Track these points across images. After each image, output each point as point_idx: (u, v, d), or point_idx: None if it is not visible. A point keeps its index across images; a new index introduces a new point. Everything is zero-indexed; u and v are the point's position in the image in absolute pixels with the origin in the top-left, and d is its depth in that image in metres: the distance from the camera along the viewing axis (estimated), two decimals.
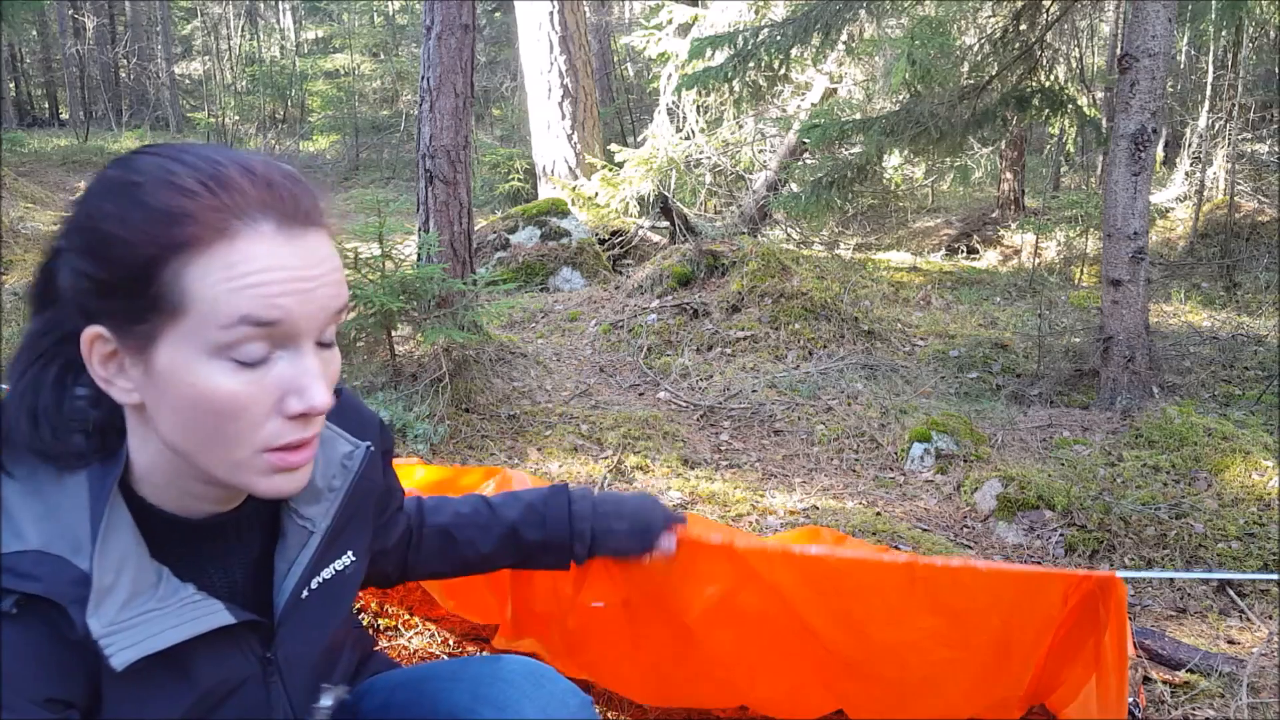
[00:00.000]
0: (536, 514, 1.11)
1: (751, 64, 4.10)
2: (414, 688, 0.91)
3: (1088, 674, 1.20)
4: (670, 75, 6.53)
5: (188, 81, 17.05)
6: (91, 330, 0.62)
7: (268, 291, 0.61)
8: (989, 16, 4.88)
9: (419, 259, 3.24)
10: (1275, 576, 1.91)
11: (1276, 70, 7.08)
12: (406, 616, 1.64)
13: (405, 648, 1.57)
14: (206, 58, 15.75)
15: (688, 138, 6.58)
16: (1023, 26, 3.87)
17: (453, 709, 0.85)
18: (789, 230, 6.74)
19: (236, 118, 13.33)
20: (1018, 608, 1.17)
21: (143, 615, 0.65)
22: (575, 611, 1.30)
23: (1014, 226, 6.95)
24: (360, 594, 1.65)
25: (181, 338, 0.61)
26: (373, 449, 0.83)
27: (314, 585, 0.79)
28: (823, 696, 1.31)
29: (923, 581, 1.17)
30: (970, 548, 2.22)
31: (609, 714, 1.41)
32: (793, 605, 1.22)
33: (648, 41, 6.75)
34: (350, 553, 0.84)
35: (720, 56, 4.52)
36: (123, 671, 0.63)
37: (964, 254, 6.77)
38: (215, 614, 0.69)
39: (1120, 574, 1.14)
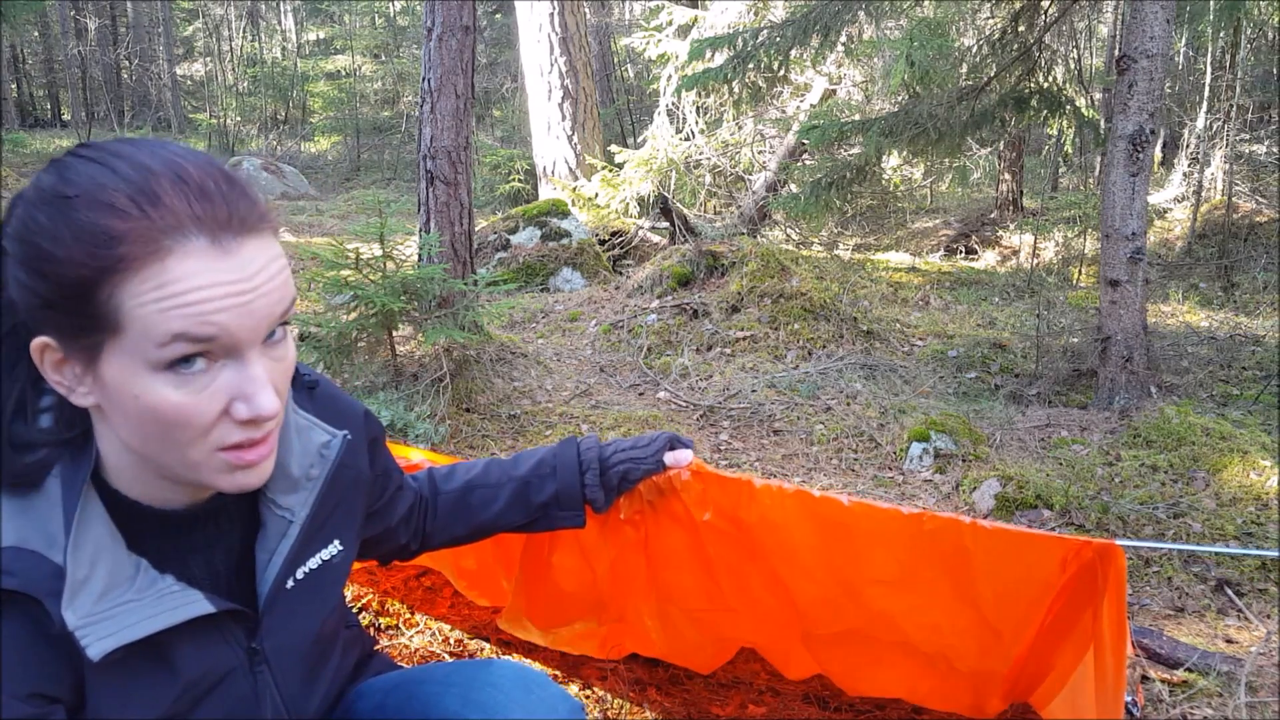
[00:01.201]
0: (547, 466, 1.14)
1: (751, 65, 4.11)
2: (407, 690, 0.92)
3: (1079, 656, 1.19)
4: (670, 76, 6.54)
5: (189, 82, 17.06)
6: (39, 340, 0.63)
7: (201, 310, 0.60)
8: (987, 18, 4.89)
9: (420, 259, 3.26)
10: (1273, 553, 1.92)
11: (1274, 71, 7.09)
12: (408, 615, 1.65)
13: (406, 646, 1.58)
14: (208, 59, 15.76)
15: (687, 139, 6.59)
16: (1021, 28, 3.88)
17: (443, 712, 0.86)
18: (788, 231, 6.75)
19: (238, 119, 13.34)
20: (1016, 573, 1.17)
21: (120, 606, 0.65)
22: (594, 569, 1.31)
23: (1012, 227, 6.96)
24: (361, 592, 1.66)
25: (122, 352, 0.61)
26: (350, 437, 0.83)
27: (299, 575, 0.80)
28: (807, 660, 1.34)
29: (929, 535, 1.18)
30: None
31: (609, 712, 1.42)
32: (796, 553, 1.23)
33: (648, 43, 6.76)
34: (337, 541, 0.84)
35: (720, 58, 4.53)
36: (104, 663, 0.64)
37: (962, 254, 6.78)
38: (194, 603, 0.69)
39: (1120, 543, 1.13)
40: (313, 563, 0.81)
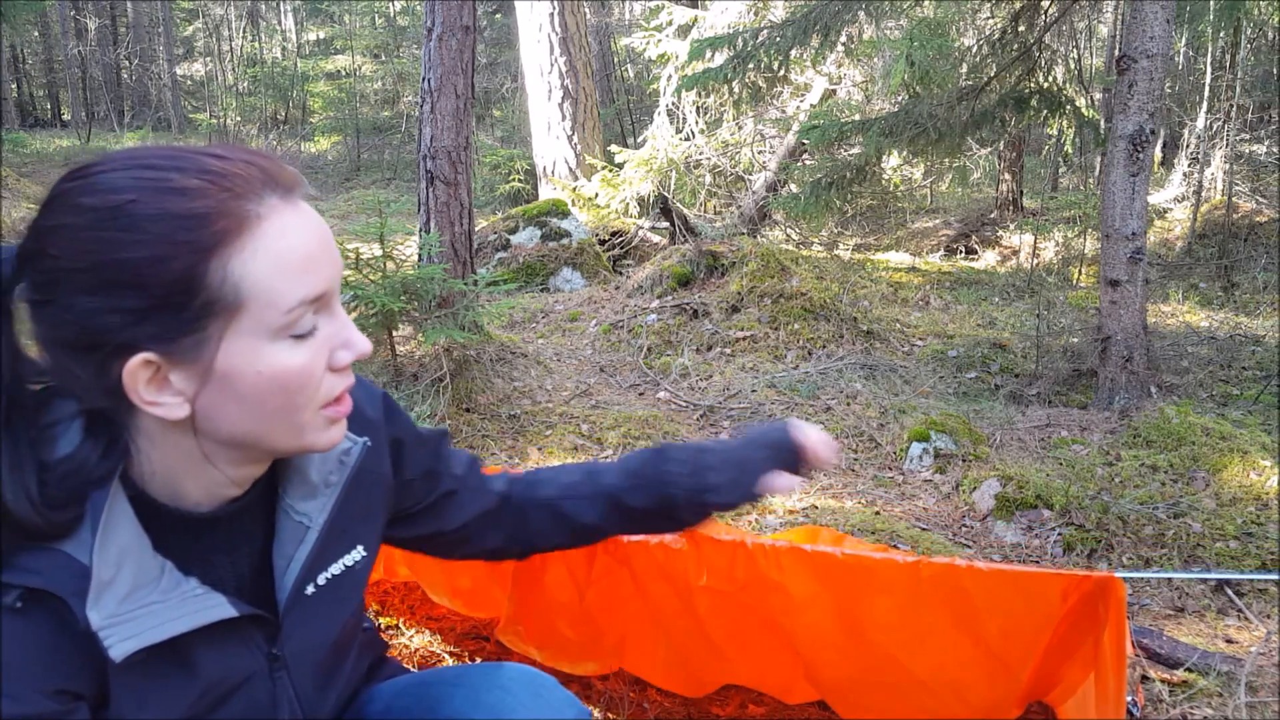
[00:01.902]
0: (637, 479, 1.05)
1: (751, 65, 4.11)
2: (416, 692, 0.92)
3: (1085, 672, 1.21)
4: (670, 76, 6.54)
5: (189, 82, 17.06)
6: (134, 361, 0.60)
7: (312, 265, 0.63)
8: (987, 18, 4.89)
9: (420, 259, 3.26)
10: (1274, 575, 1.92)
11: (1274, 71, 7.09)
12: (407, 615, 1.65)
13: (406, 646, 1.58)
14: (208, 59, 15.77)
15: (687, 139, 6.59)
16: (1021, 28, 3.88)
17: (452, 713, 0.86)
18: (788, 231, 6.75)
19: (238, 119, 13.34)
20: (1017, 608, 1.19)
21: (144, 608, 0.65)
22: (584, 598, 1.32)
23: (1012, 227, 6.96)
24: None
25: (243, 331, 0.61)
26: (370, 444, 0.83)
27: (321, 581, 0.79)
28: (808, 690, 1.35)
29: (929, 581, 1.19)
30: (969, 547, 2.23)
31: (609, 713, 1.42)
32: (797, 605, 1.24)
33: (648, 43, 6.76)
34: (360, 547, 0.84)
35: (720, 58, 4.53)
36: (126, 663, 0.64)
37: (962, 254, 6.78)
38: (217, 607, 0.69)
39: (1120, 574, 1.15)
40: (335, 568, 0.80)
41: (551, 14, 6.80)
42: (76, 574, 0.63)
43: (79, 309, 0.59)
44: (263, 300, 0.61)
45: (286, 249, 0.62)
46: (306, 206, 0.65)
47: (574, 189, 6.67)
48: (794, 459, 1.04)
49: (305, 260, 0.62)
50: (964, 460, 2.67)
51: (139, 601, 0.65)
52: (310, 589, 0.78)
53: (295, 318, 0.63)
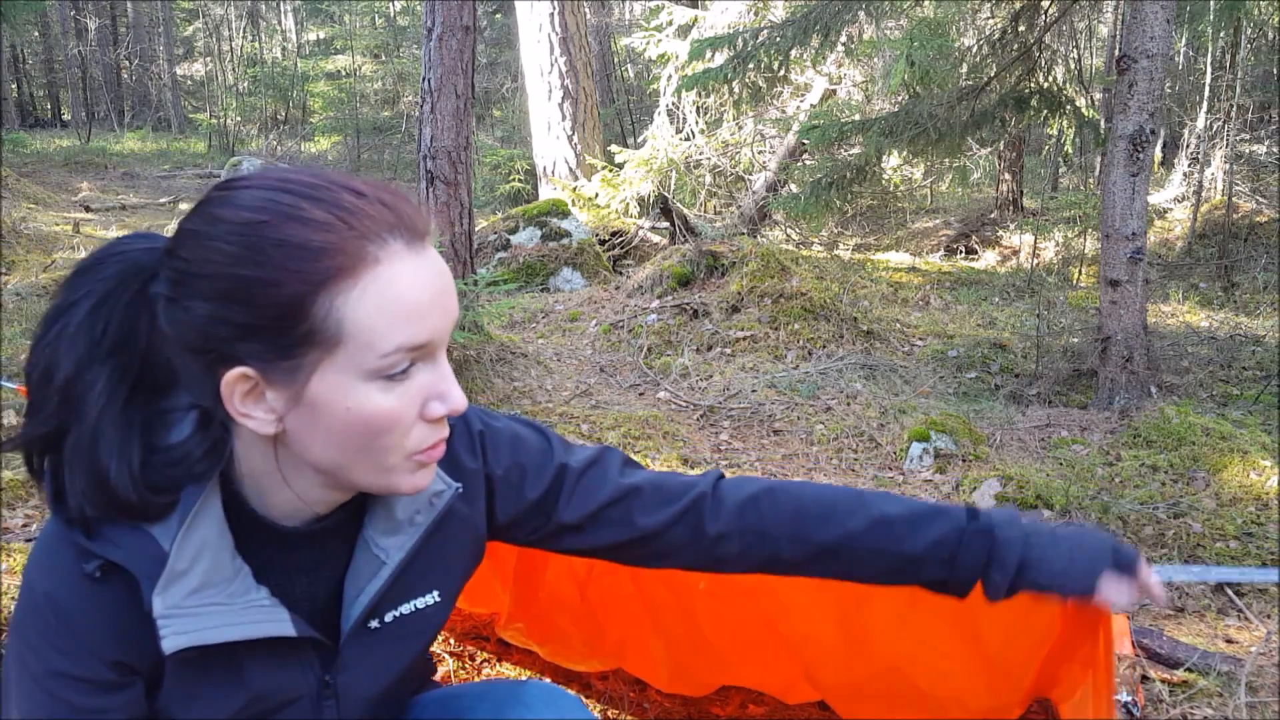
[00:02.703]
0: (945, 550, 0.86)
1: (751, 65, 4.11)
2: (442, 705, 0.92)
3: (1085, 673, 1.21)
4: (670, 76, 6.54)
5: (190, 82, 17.07)
6: (234, 373, 0.62)
7: (418, 314, 0.62)
8: (988, 18, 4.89)
9: None
10: (1274, 575, 1.92)
11: (1275, 71, 7.09)
12: None
13: None
14: (208, 59, 15.78)
15: (688, 139, 6.59)
16: (1021, 28, 3.88)
17: None
18: (788, 231, 6.75)
19: (238, 119, 13.35)
20: (1018, 614, 1.19)
21: (207, 607, 0.66)
22: (585, 596, 1.32)
23: (1012, 227, 6.96)
24: None
25: (337, 367, 0.62)
26: (462, 490, 0.79)
27: (387, 618, 0.78)
28: (808, 690, 1.35)
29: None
30: None
31: (609, 712, 1.42)
32: (797, 608, 1.24)
33: (648, 43, 6.76)
34: (436, 593, 0.82)
35: (720, 58, 4.53)
36: (180, 657, 0.66)
37: (963, 254, 6.78)
38: (277, 622, 0.69)
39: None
40: (405, 608, 0.79)
41: (551, 14, 6.81)
42: (155, 558, 0.65)
43: (195, 312, 0.62)
44: (361, 340, 0.61)
45: (396, 295, 0.62)
46: (432, 254, 0.65)
47: (574, 189, 6.67)
48: (1131, 567, 0.86)
49: (413, 308, 0.62)
50: (964, 460, 2.67)
51: (204, 599, 0.66)
52: (374, 623, 0.78)
53: (391, 363, 0.62)
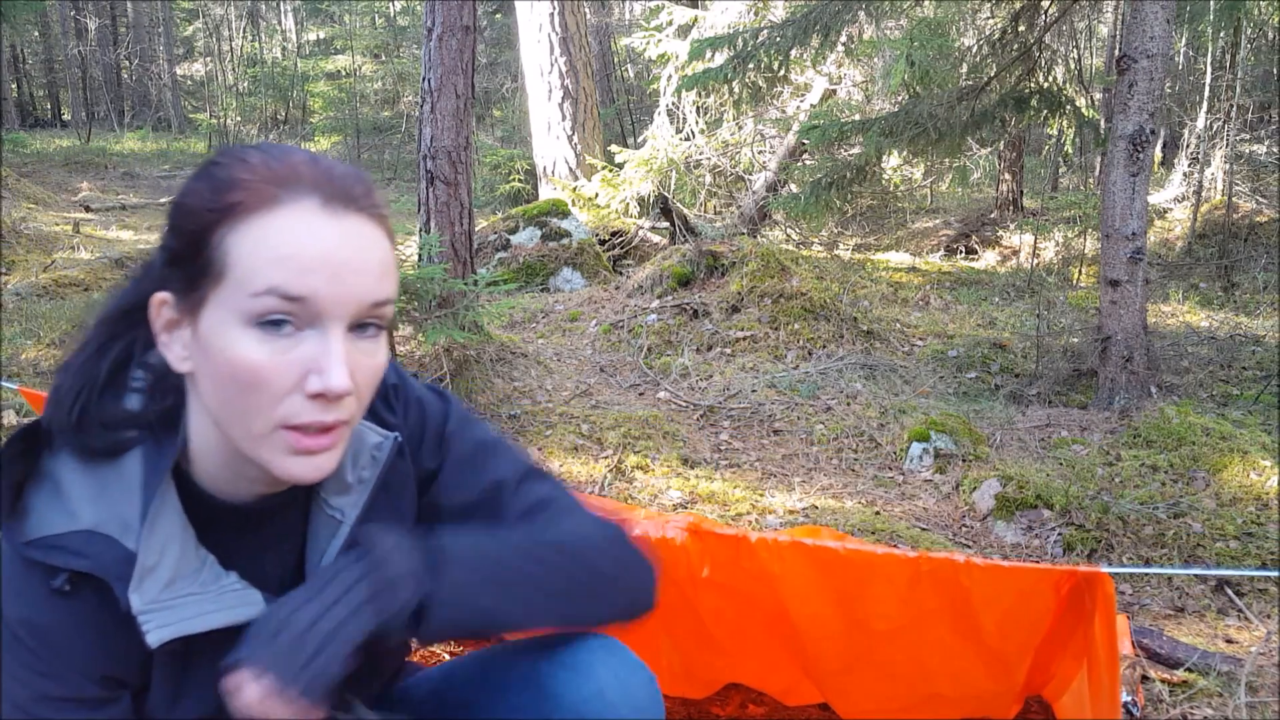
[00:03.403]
0: None
1: (751, 65, 4.11)
2: (476, 664, 0.89)
3: (1078, 665, 1.22)
4: (670, 76, 6.54)
5: (190, 82, 17.07)
6: (158, 295, 0.66)
7: (298, 265, 0.62)
8: (987, 18, 4.89)
9: (420, 259, 3.26)
10: (1273, 573, 1.92)
11: (1274, 71, 7.09)
12: None
13: None
14: (208, 59, 15.77)
15: (688, 139, 6.59)
16: (1021, 28, 3.88)
17: (529, 671, 0.81)
18: (788, 231, 6.75)
19: (238, 119, 13.35)
20: (1014, 604, 1.20)
21: (182, 598, 0.67)
22: None
23: (1012, 227, 6.96)
24: None
25: (221, 302, 0.63)
26: (400, 439, 0.79)
27: None
28: (809, 690, 1.35)
29: (929, 575, 1.20)
30: (969, 547, 2.23)
31: None
32: (798, 598, 1.24)
33: (648, 43, 6.76)
34: None
35: (720, 58, 4.53)
36: (165, 651, 0.66)
37: (963, 254, 6.78)
38: (251, 605, 0.70)
39: (1107, 569, 1.16)
40: None
41: (551, 14, 6.80)
42: (121, 559, 0.65)
43: (160, 240, 0.69)
44: (238, 274, 0.62)
45: (280, 240, 0.62)
46: (351, 224, 0.64)
47: (574, 189, 6.67)
48: None
49: (294, 256, 0.62)
50: (964, 460, 2.67)
51: (178, 591, 0.67)
52: None
53: (263, 307, 0.61)
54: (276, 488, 0.73)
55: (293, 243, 0.62)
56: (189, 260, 0.64)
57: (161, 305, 0.66)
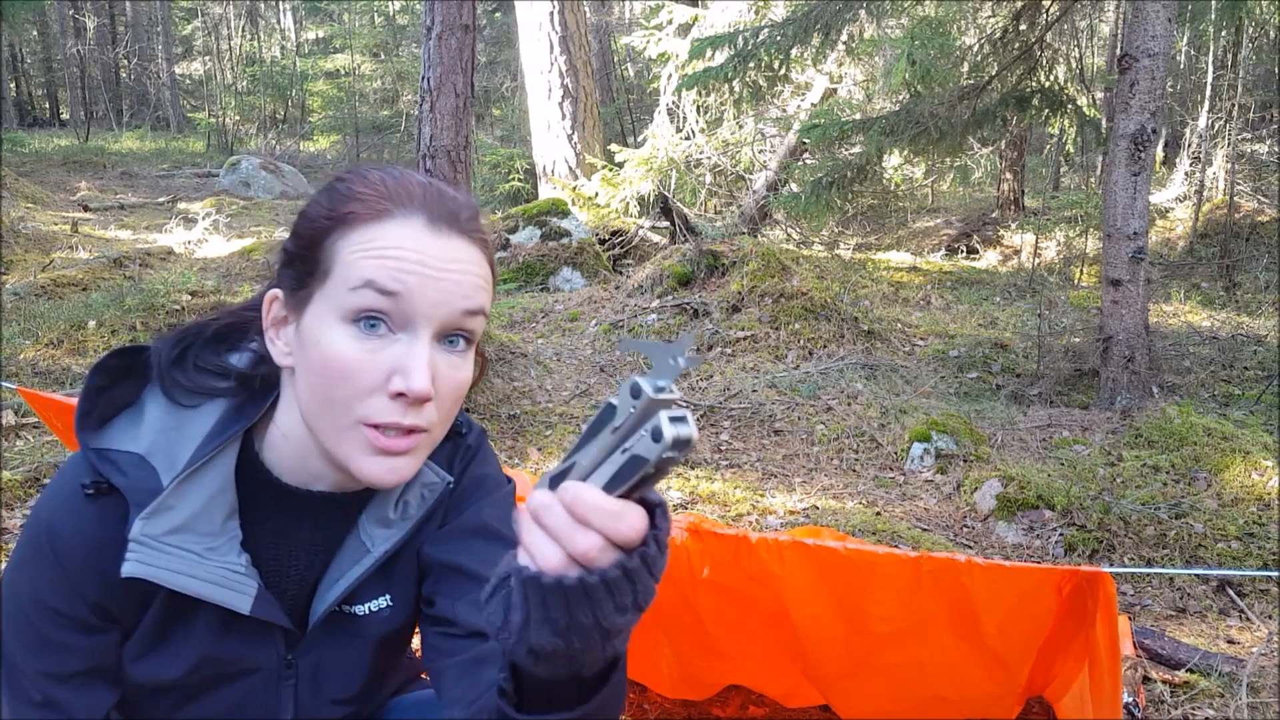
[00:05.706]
0: None
1: (751, 64, 4.11)
2: (419, 707, 0.89)
3: (1079, 666, 1.21)
4: (670, 75, 6.53)
5: (188, 81, 17.06)
6: (271, 292, 0.72)
7: (396, 265, 0.65)
8: (989, 17, 4.88)
9: None
10: (1275, 574, 1.92)
11: (1276, 70, 7.08)
12: None
13: None
14: (207, 58, 15.76)
15: (688, 138, 6.58)
16: (1022, 27, 3.87)
17: None
18: (789, 230, 6.74)
19: (237, 118, 13.34)
20: (1014, 605, 1.19)
21: (179, 550, 0.69)
22: None
23: (1014, 226, 6.96)
24: None
25: (324, 298, 0.67)
26: (452, 485, 0.79)
27: (359, 610, 0.77)
28: (809, 692, 1.34)
29: (930, 575, 1.19)
30: (970, 547, 2.22)
31: None
32: (799, 599, 1.23)
33: (648, 42, 6.75)
34: (387, 596, 0.79)
35: (720, 57, 4.52)
36: (143, 600, 0.69)
37: (964, 254, 6.77)
38: (237, 593, 0.70)
39: (1109, 570, 1.15)
40: (360, 609, 0.77)
41: (551, 13, 6.80)
42: (151, 490, 0.69)
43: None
44: (341, 273, 0.66)
45: (386, 243, 0.66)
46: (456, 244, 0.68)
47: (574, 188, 6.66)
48: None
49: (393, 257, 0.65)
50: (965, 460, 2.67)
51: (180, 541, 0.69)
52: (347, 610, 0.77)
53: (360, 303, 0.65)
54: (342, 488, 0.74)
55: (395, 247, 0.66)
56: (301, 260, 0.69)
57: (273, 301, 0.71)
